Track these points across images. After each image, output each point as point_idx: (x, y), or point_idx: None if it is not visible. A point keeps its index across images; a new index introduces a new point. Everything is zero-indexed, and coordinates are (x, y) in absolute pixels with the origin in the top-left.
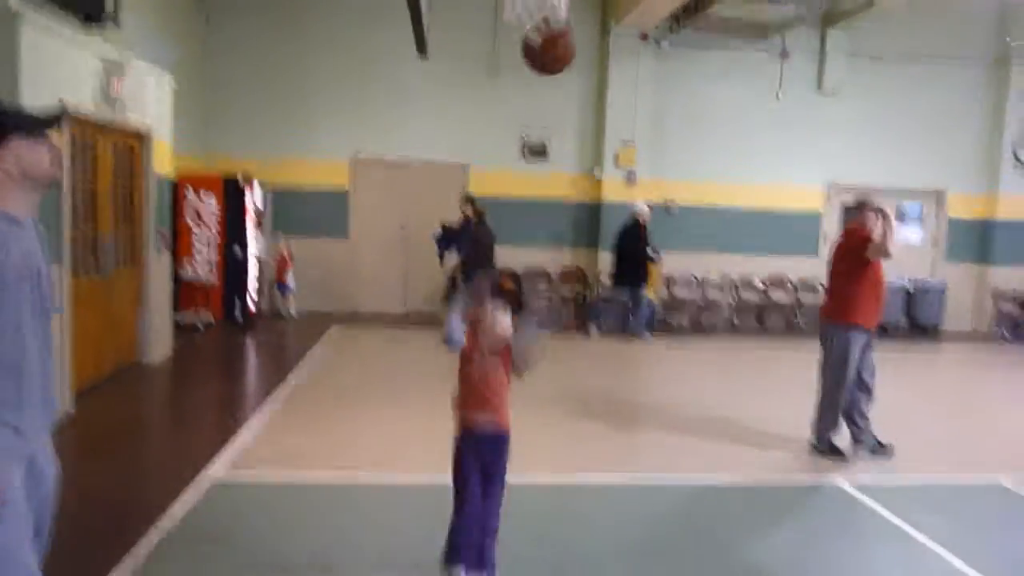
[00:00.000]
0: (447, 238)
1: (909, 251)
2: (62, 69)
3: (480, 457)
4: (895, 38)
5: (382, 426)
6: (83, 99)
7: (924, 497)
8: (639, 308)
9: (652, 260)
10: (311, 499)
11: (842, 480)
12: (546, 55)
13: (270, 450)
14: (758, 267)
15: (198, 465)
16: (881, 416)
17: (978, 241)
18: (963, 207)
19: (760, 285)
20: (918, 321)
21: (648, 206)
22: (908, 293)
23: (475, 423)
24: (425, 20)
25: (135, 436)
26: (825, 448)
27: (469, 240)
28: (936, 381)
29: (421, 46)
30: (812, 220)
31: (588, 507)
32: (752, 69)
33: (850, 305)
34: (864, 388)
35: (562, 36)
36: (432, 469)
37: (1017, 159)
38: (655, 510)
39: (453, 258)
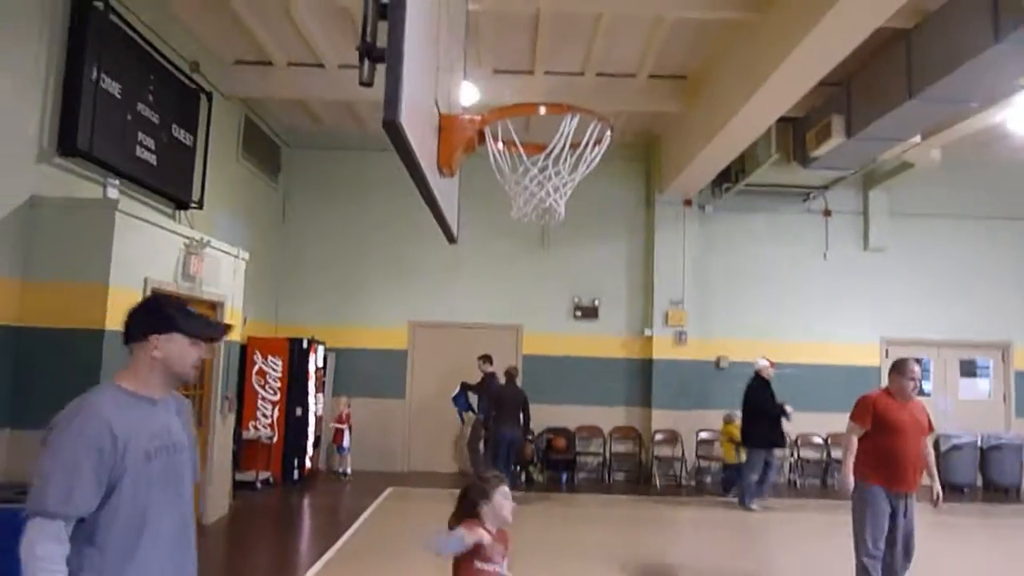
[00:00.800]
0: (464, 396)
1: (978, 406)
2: (148, 250)
3: None
4: (937, 196)
5: None
6: (165, 275)
7: None
8: (769, 471)
9: (786, 417)
10: None
11: None
12: None
13: None
14: (816, 424)
15: None
16: None
17: None
18: None
19: (820, 442)
20: (994, 480)
21: (769, 361)
22: (981, 450)
23: None
24: (452, 210)
25: None
26: None
27: (491, 398)
28: (1012, 548)
29: (449, 236)
30: (870, 374)
31: None
32: (797, 229)
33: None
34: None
35: None
36: None
37: None
38: None
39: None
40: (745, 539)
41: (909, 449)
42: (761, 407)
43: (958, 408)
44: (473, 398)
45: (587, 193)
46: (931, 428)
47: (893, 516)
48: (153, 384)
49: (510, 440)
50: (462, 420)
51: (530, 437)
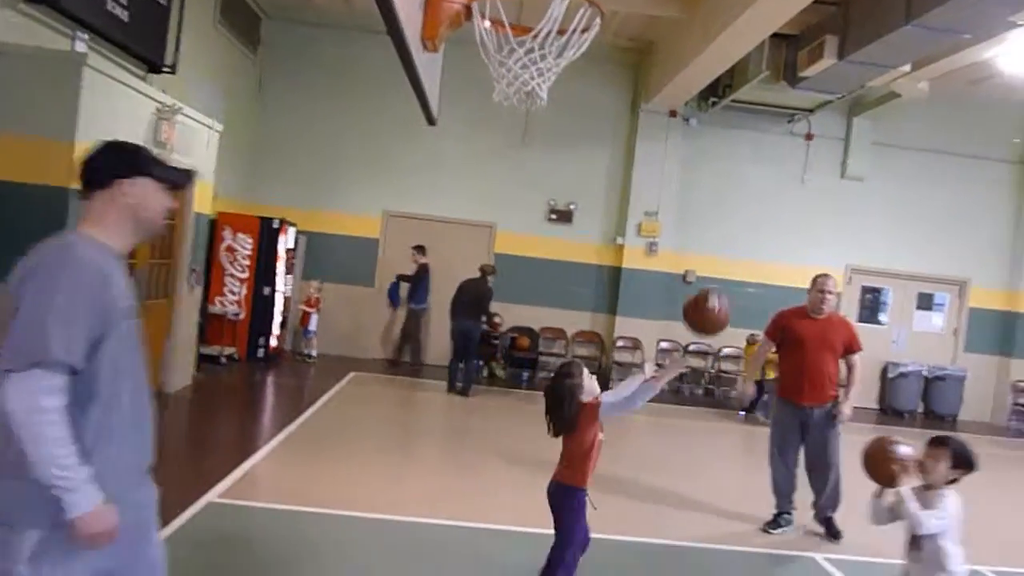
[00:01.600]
0: (396, 288)
1: (930, 338)
2: (118, 110)
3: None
4: (920, 130)
5: (381, 469)
6: (134, 139)
7: None
8: None
9: None
10: (300, 526)
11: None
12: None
13: (271, 480)
14: None
15: (201, 489)
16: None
17: (1000, 333)
18: (986, 298)
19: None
20: (935, 409)
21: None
22: (926, 380)
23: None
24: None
25: None
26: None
27: (423, 289)
28: None
29: (429, 117)
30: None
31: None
32: (778, 151)
33: None
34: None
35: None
36: (416, 512)
37: None
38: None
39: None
40: (686, 440)
41: (809, 363)
42: None
43: (911, 339)
44: (406, 289)
45: (573, 95)
46: (852, 348)
47: (803, 430)
48: (122, 236)
49: (463, 331)
50: (394, 308)
51: (491, 332)
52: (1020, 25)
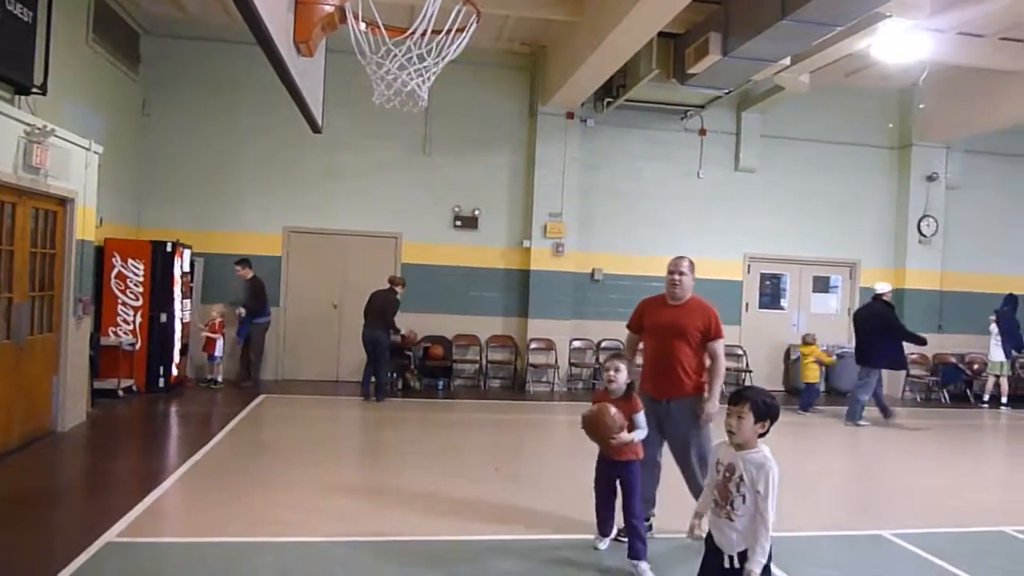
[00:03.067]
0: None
1: (827, 320)
2: None
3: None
4: (804, 121)
5: (295, 491)
6: (3, 165)
7: (812, 549)
8: (880, 389)
9: (923, 342)
10: (211, 557)
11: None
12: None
13: (176, 513)
14: None
15: (97, 531)
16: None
17: None
18: (874, 278)
19: None
20: (836, 386)
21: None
22: None
23: None
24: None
25: (36, 504)
26: None
27: (263, 301)
28: (840, 444)
29: (312, 125)
30: (733, 288)
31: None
32: (674, 147)
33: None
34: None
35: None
36: (332, 531)
37: (922, 235)
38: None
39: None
40: None
41: (660, 352)
42: (892, 329)
43: (810, 321)
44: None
45: (471, 101)
46: (710, 334)
47: (661, 426)
48: None
49: (371, 339)
50: (241, 342)
51: (404, 346)
52: (888, 16)
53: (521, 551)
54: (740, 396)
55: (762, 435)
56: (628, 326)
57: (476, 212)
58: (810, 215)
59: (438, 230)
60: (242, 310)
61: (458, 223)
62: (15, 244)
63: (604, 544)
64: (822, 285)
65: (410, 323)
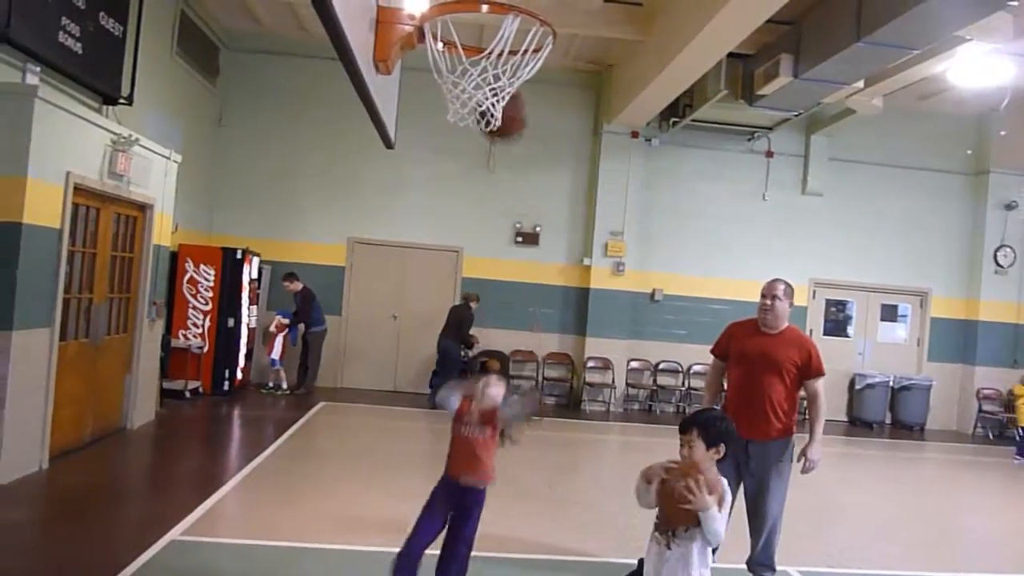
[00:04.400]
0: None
1: (895, 349)
2: (71, 143)
3: (452, 500)
4: (876, 145)
5: (352, 498)
6: (89, 171)
7: None
8: None
9: None
10: (266, 560)
11: (791, 568)
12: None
13: (236, 515)
14: None
15: (163, 528)
16: (849, 509)
17: (961, 342)
18: (946, 308)
19: None
20: (902, 419)
21: None
22: (892, 390)
23: (457, 476)
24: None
25: (104, 499)
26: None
27: (317, 310)
28: (907, 479)
29: (386, 140)
30: (796, 314)
31: None
32: (740, 169)
33: None
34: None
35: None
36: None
37: (998, 265)
38: None
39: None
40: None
41: (750, 386)
42: None
43: (876, 350)
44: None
45: (535, 119)
46: (811, 371)
47: (740, 466)
48: None
49: (441, 349)
50: (294, 343)
51: (467, 352)
52: (968, 40)
53: (565, 571)
54: (688, 422)
55: (720, 461)
56: (713, 351)
57: (537, 228)
58: (879, 241)
59: (499, 245)
60: (280, 318)
61: (519, 239)
62: (98, 247)
63: None
64: (890, 313)
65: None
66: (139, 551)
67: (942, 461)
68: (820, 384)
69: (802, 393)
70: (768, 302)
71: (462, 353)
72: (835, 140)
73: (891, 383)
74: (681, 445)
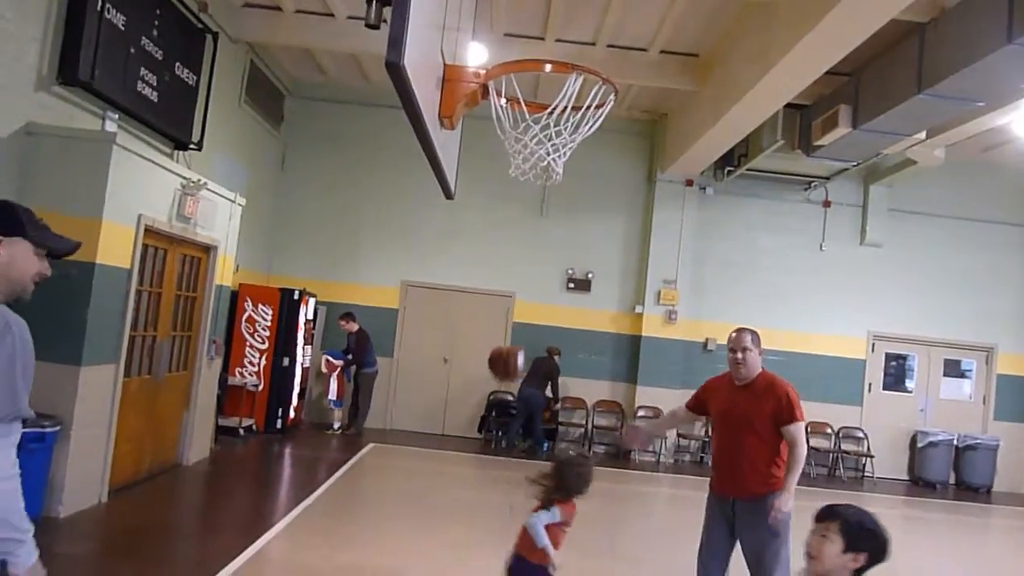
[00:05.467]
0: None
1: (959, 406)
2: (144, 187)
3: None
4: (937, 196)
5: (400, 543)
6: (159, 214)
7: None
8: None
9: None
10: None
11: None
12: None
13: (282, 560)
14: None
15: (212, 568)
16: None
17: None
18: (1014, 365)
19: None
20: (966, 480)
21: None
22: (957, 449)
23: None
24: (451, 167)
25: (159, 536)
26: None
27: (370, 352)
28: (973, 544)
29: (446, 192)
30: (855, 367)
31: None
32: (796, 219)
33: None
34: None
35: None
36: None
37: None
38: None
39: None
40: None
41: (728, 444)
42: None
43: (938, 407)
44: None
45: (590, 166)
46: (784, 417)
47: (734, 526)
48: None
49: (526, 396)
50: (349, 380)
51: (555, 404)
52: None
53: None
54: (829, 511)
55: (857, 572)
56: (688, 405)
57: (589, 275)
58: (941, 294)
59: (551, 291)
60: (328, 359)
61: (571, 285)
62: (163, 287)
63: None
64: (954, 369)
65: (518, 383)
66: None
67: (1010, 527)
68: (797, 430)
69: None
70: (739, 355)
71: (555, 406)
72: (895, 191)
73: (955, 442)
74: (811, 533)
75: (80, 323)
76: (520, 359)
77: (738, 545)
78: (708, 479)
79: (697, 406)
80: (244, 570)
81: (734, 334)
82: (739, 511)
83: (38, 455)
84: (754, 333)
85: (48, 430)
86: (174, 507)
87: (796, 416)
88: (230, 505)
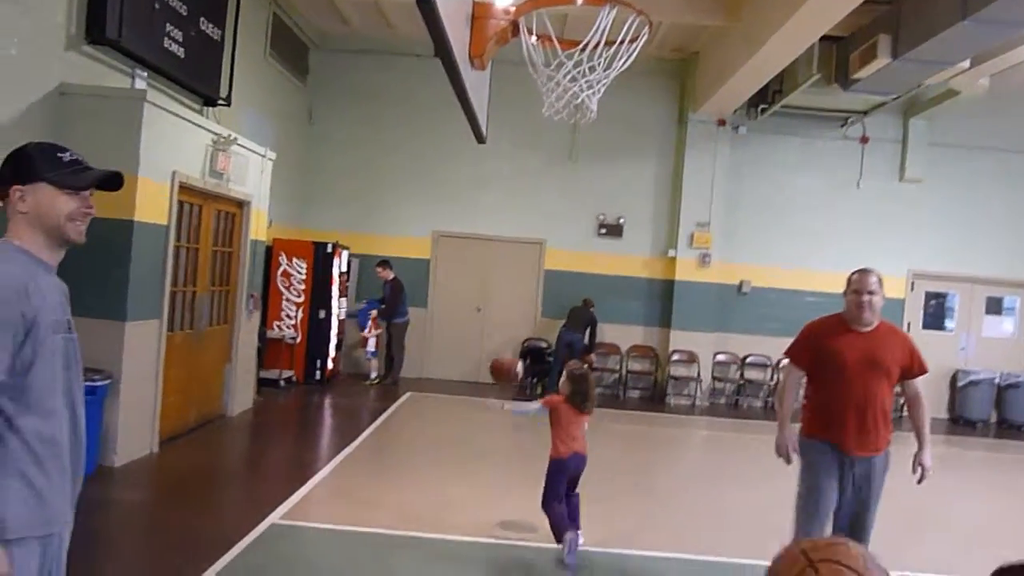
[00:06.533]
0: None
1: (1000, 344)
2: (176, 143)
3: (568, 472)
4: (980, 129)
5: (440, 486)
6: (192, 170)
7: None
8: None
9: None
10: (359, 546)
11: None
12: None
13: (329, 501)
14: None
15: (263, 512)
16: (950, 514)
17: None
18: None
19: None
20: (1008, 418)
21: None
22: (999, 388)
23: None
24: (482, 109)
25: (210, 482)
26: None
27: (403, 302)
28: (1016, 483)
29: (478, 135)
30: (894, 307)
31: None
32: (832, 156)
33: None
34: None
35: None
36: (475, 531)
37: None
38: None
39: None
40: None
41: (851, 395)
42: None
43: (980, 345)
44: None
45: (619, 110)
46: (914, 370)
47: (840, 481)
48: (38, 245)
49: (569, 341)
50: (362, 330)
51: (591, 354)
52: None
53: (653, 569)
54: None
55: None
56: (789, 355)
57: (621, 220)
58: (983, 230)
59: (582, 238)
60: (365, 304)
61: (602, 231)
62: (200, 243)
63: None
64: (995, 307)
65: (551, 329)
66: (243, 532)
67: None
68: (922, 384)
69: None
70: (865, 298)
71: (591, 356)
72: (936, 124)
73: (997, 380)
74: None
75: (123, 280)
76: (519, 368)
77: None
78: (809, 434)
79: (803, 354)
80: (294, 512)
81: (857, 275)
82: (858, 468)
83: (91, 407)
84: (880, 277)
85: (99, 383)
86: (223, 455)
87: (925, 367)
88: (276, 452)
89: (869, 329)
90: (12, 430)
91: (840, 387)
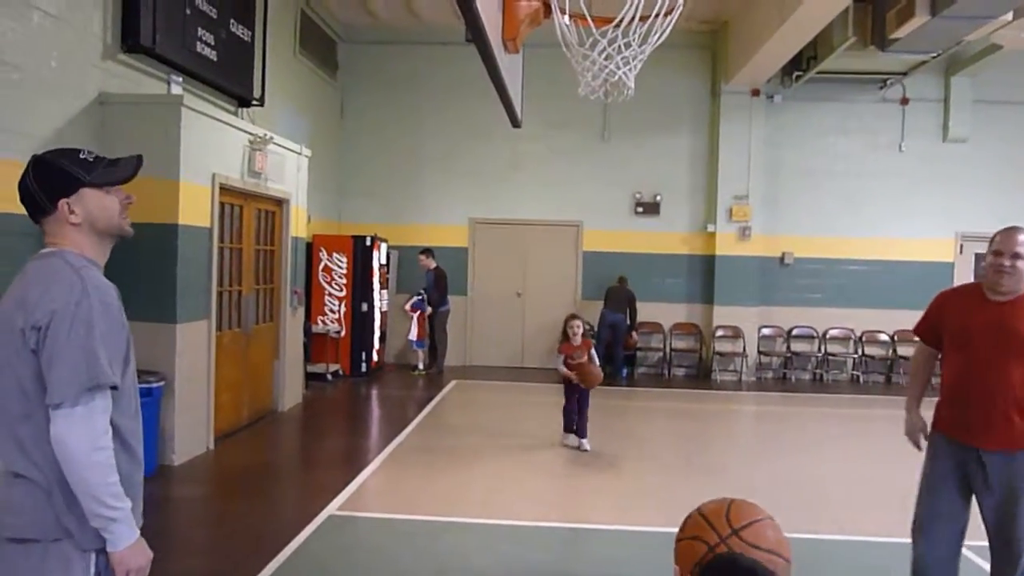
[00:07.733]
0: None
1: None
2: (214, 145)
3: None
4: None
5: (490, 472)
6: (231, 171)
7: None
8: None
9: None
10: (415, 533)
11: None
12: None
13: (384, 491)
14: (883, 322)
15: (320, 503)
16: None
17: None
18: None
19: (887, 339)
20: None
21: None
22: None
23: None
24: (516, 93)
25: (266, 477)
26: None
27: (444, 291)
28: None
29: (513, 119)
30: (942, 271)
31: None
32: (872, 120)
33: None
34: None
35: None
36: (528, 516)
37: None
38: None
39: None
40: (810, 435)
41: (980, 376)
42: None
43: None
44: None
45: (650, 84)
46: None
47: (972, 484)
48: (94, 249)
49: (612, 322)
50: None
51: (634, 333)
52: None
53: None
54: None
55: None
56: (918, 331)
57: (657, 197)
58: None
59: (619, 217)
60: (419, 296)
61: (639, 209)
62: (243, 242)
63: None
64: None
65: (593, 311)
66: (302, 524)
67: None
68: None
69: None
70: (1007, 262)
71: (634, 335)
72: (979, 80)
73: None
74: None
75: (171, 283)
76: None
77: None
78: (934, 426)
79: (932, 329)
80: (350, 503)
81: (1000, 235)
82: (991, 465)
83: (148, 409)
84: None
85: (154, 385)
86: (277, 449)
87: None
88: (328, 445)
89: (1009, 299)
90: (113, 431)
91: (965, 367)
